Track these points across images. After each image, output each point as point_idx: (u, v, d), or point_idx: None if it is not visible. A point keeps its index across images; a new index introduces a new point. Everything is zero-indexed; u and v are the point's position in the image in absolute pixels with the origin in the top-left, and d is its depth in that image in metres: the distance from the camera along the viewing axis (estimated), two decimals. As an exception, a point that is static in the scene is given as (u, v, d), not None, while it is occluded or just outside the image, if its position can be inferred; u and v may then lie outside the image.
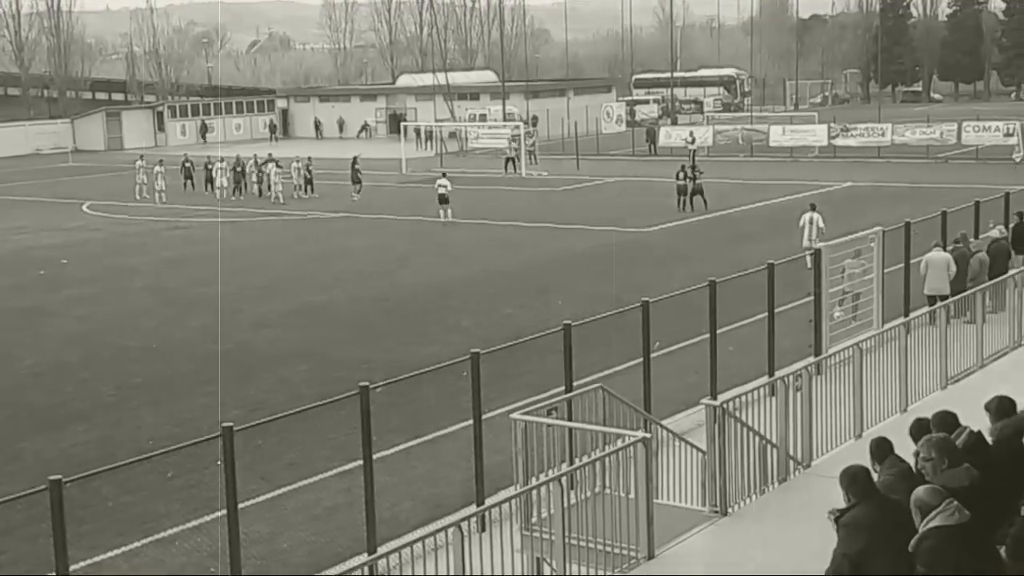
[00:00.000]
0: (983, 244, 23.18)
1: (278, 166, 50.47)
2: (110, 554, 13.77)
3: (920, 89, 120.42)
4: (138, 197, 51.49)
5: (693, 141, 59.98)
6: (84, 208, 49.69)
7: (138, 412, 19.50)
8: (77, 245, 38.94)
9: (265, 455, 16.26)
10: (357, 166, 49.48)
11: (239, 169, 52.52)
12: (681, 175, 42.26)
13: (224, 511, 11.61)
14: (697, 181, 41.89)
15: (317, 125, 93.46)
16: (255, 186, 51.35)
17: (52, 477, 10.02)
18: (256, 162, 52.59)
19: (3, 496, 11.95)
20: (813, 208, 29.27)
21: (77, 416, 19.28)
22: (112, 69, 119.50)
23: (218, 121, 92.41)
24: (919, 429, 9.03)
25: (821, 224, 28.46)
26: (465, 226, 40.51)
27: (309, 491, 15.63)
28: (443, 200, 40.83)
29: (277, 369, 21.81)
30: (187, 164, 55.36)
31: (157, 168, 51.11)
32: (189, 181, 54.58)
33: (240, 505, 11.71)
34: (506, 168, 58.72)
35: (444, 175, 42.61)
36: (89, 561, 13.38)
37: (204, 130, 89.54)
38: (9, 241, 40.66)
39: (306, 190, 50.16)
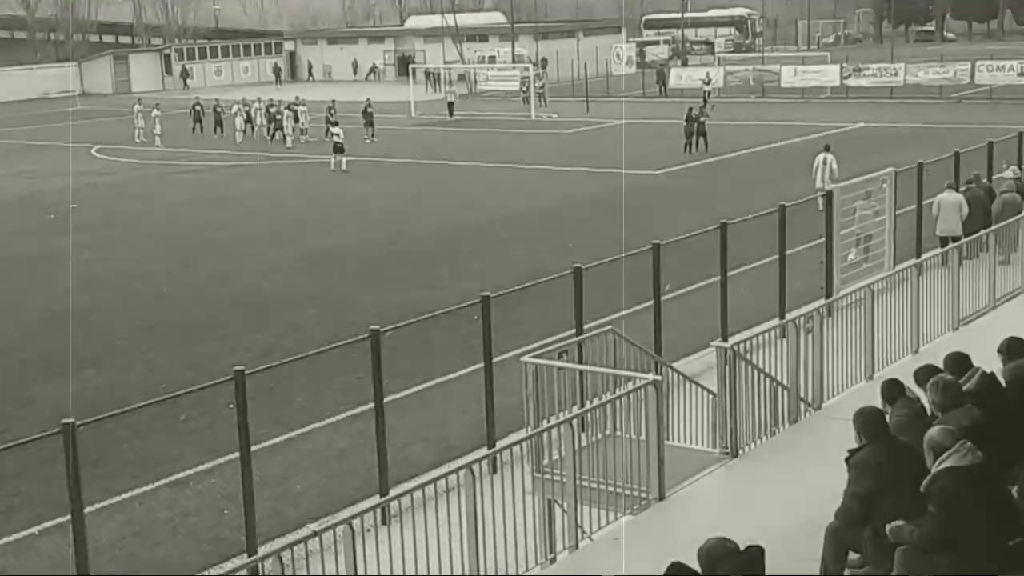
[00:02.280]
0: (1000, 184, 23.01)
1: (290, 108, 50.21)
2: (124, 496, 13.89)
3: (933, 28, 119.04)
4: (137, 141, 51.36)
5: (709, 82, 59.48)
6: (93, 152, 49.58)
7: (149, 356, 19.58)
8: (86, 189, 38.88)
9: (277, 398, 16.32)
10: (370, 109, 49.31)
11: (249, 111, 52.22)
12: (690, 116, 42.02)
13: (237, 453, 11.69)
14: (702, 121, 41.73)
15: (310, 69, 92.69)
16: (264, 129, 51.00)
17: (65, 420, 10.07)
18: (270, 105, 52.16)
19: (17, 439, 12.03)
20: (827, 149, 29.03)
21: (88, 360, 19.33)
22: (119, 12, 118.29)
23: (225, 64, 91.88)
24: (925, 375, 9.01)
25: (835, 166, 28.23)
26: (473, 169, 40.36)
27: (321, 434, 15.71)
28: (337, 149, 40.65)
29: (287, 313, 21.83)
30: (197, 107, 55.09)
31: (155, 112, 50.80)
32: (198, 124, 54.36)
33: (253, 448, 11.77)
34: (450, 113, 58.06)
35: (336, 123, 42.61)
36: (104, 503, 13.49)
37: (185, 76, 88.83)
38: (18, 185, 40.65)
39: (326, 133, 49.92)
